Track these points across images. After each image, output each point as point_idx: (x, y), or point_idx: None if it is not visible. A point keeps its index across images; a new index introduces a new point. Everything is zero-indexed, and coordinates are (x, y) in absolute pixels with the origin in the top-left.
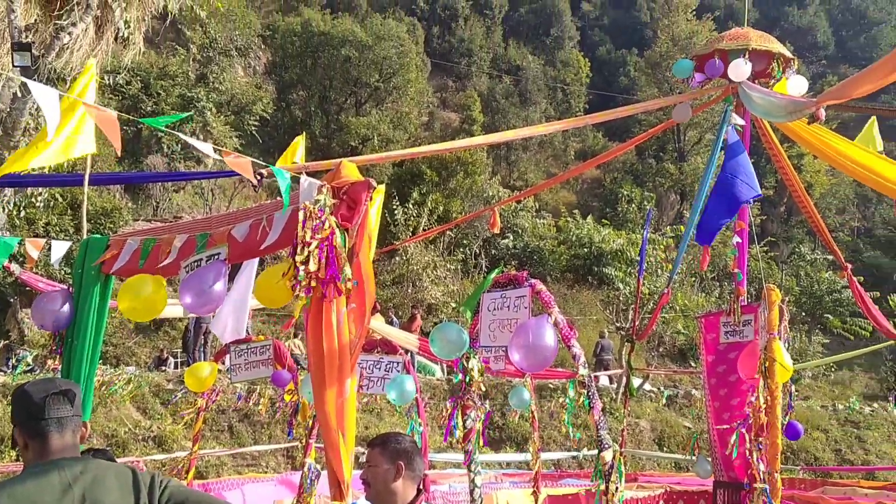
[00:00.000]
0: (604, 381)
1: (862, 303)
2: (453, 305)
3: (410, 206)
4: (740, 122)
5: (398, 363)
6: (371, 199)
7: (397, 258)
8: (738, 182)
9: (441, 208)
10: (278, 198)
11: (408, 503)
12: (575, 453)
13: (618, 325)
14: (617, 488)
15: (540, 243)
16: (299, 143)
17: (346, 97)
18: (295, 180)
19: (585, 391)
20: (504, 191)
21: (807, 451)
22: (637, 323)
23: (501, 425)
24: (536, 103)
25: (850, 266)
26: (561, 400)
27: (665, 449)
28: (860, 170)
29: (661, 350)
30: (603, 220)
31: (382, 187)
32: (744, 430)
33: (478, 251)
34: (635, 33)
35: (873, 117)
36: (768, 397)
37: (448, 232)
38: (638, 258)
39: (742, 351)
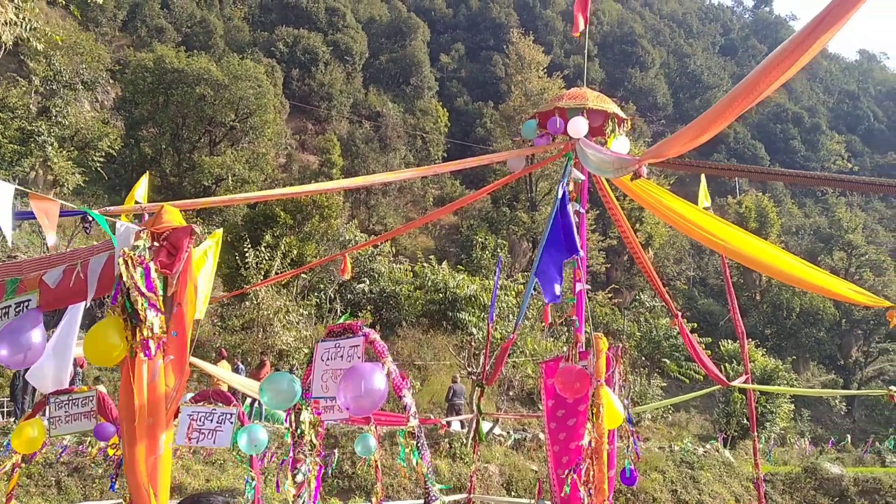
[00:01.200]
0: (455, 426)
1: (691, 348)
2: (305, 351)
3: (263, 248)
4: (580, 176)
5: (231, 414)
6: (192, 246)
7: (247, 302)
8: (561, 243)
9: (295, 252)
10: (94, 243)
11: None
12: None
13: (469, 369)
14: None
15: (396, 288)
16: (141, 184)
17: (199, 136)
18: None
19: (415, 442)
20: (362, 235)
21: (645, 492)
22: (487, 368)
23: (351, 474)
24: (396, 149)
25: (680, 313)
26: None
27: (513, 493)
28: (685, 223)
29: (510, 394)
30: (458, 266)
31: (220, 231)
32: (575, 476)
33: (333, 295)
34: (491, 87)
35: (703, 175)
36: (595, 442)
37: (302, 276)
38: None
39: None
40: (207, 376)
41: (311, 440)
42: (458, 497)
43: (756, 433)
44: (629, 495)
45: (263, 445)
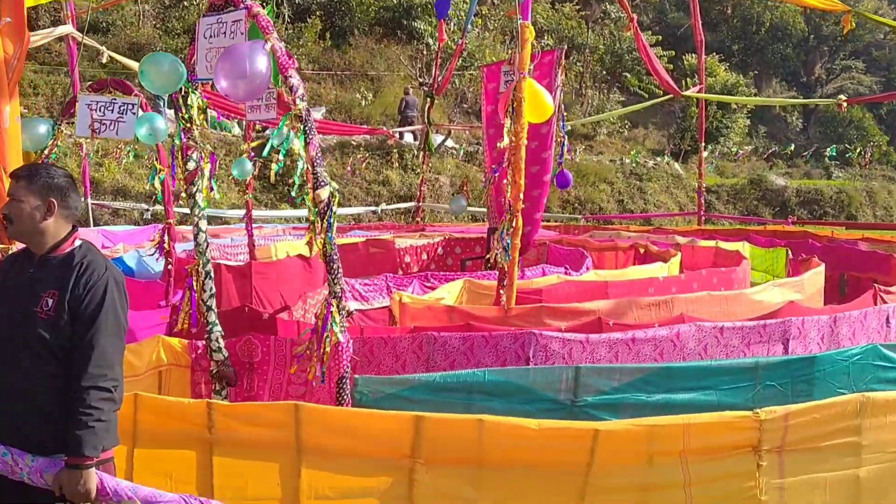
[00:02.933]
0: (408, 137)
1: (644, 54)
2: None
3: None
4: None
5: (133, 105)
6: None
7: (186, 2)
8: None
9: None
10: None
11: (59, 240)
12: (374, 208)
13: (421, 80)
14: (331, 224)
15: None
16: None
17: None
18: None
19: (301, 126)
20: None
21: (593, 201)
22: (438, 78)
23: (303, 183)
24: None
25: (647, 26)
26: (360, 156)
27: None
28: None
29: (464, 106)
30: None
31: None
32: (496, 175)
33: (280, 0)
34: None
35: None
36: (514, 137)
37: None
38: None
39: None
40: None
41: (200, 125)
42: (408, 205)
43: (704, 144)
44: (576, 205)
45: (164, 135)
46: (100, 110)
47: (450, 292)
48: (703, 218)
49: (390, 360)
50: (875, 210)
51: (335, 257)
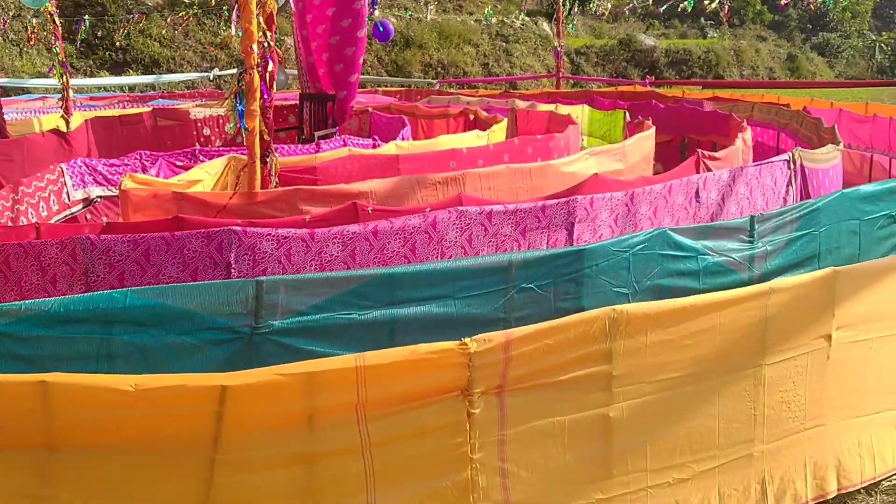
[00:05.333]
0: None
1: None
2: None
3: None
4: None
5: None
6: None
7: None
8: None
9: None
10: None
11: None
12: (209, 74)
13: None
14: None
15: None
16: None
17: None
18: None
19: None
20: None
21: (457, 65)
22: None
23: (126, 46)
24: None
25: None
26: (184, 14)
27: None
28: None
29: None
30: None
31: None
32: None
33: None
34: None
35: None
36: None
37: None
38: None
39: None
40: None
41: None
42: None
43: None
44: (439, 69)
45: None
46: None
47: (209, 172)
48: (570, 81)
49: (35, 276)
50: (742, 69)
51: None
